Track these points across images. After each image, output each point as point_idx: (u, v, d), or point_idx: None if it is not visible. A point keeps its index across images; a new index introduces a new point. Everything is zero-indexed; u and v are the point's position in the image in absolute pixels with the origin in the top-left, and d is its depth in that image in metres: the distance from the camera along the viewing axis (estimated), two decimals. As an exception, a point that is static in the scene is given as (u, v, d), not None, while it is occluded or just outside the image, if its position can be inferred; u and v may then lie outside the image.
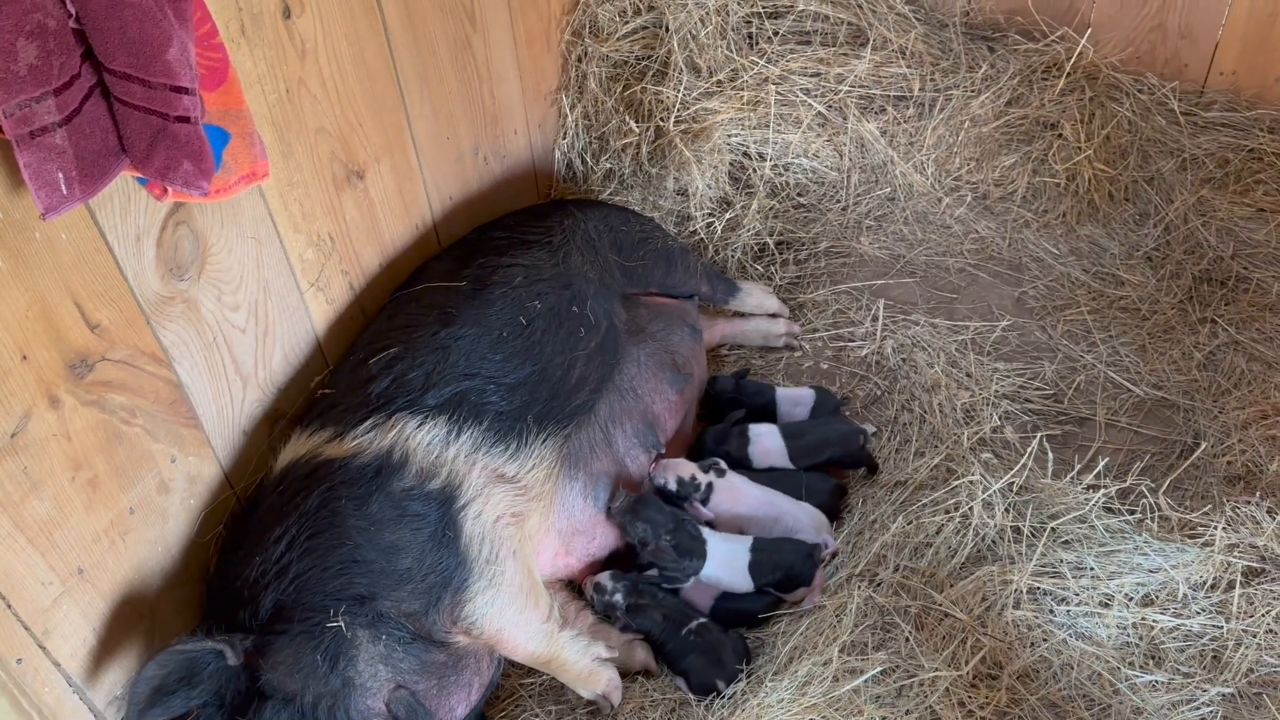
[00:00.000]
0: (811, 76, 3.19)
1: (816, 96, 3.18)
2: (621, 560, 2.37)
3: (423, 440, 2.16)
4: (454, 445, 2.18)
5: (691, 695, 2.16)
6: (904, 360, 2.87)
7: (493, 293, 2.41)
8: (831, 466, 2.60)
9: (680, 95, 3.06)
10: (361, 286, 2.56)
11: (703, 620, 2.22)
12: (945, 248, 3.20)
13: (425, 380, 2.24)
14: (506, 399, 2.27)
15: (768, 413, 2.70)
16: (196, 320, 2.14)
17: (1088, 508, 2.25)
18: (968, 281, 3.11)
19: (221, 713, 2.01)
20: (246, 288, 2.24)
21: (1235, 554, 2.17)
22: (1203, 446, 2.47)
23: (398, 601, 2.04)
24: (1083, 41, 3.15)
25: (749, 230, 3.21)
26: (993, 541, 2.27)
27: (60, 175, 1.66)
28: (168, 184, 1.83)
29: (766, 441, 2.60)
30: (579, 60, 3.14)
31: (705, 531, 2.31)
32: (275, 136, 2.20)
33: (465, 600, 2.07)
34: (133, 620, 2.16)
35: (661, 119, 3.08)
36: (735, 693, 2.11)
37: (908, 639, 2.11)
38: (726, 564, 2.27)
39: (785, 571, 2.24)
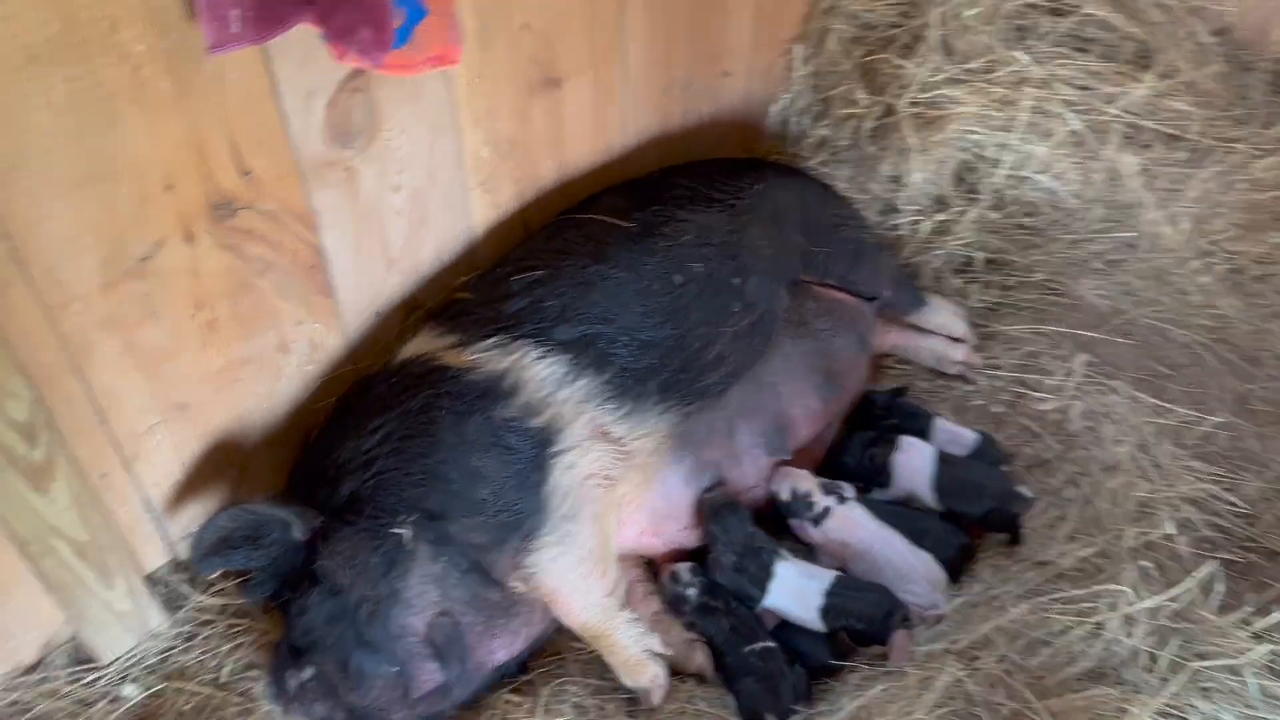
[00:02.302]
0: (1078, 89, 2.82)
1: (1078, 112, 2.81)
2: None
3: (538, 374, 2.06)
4: (567, 388, 2.06)
5: (736, 718, 2.00)
6: (1089, 429, 2.53)
7: (656, 243, 2.25)
8: (970, 523, 2.34)
9: (924, 75, 2.77)
10: (531, 199, 2.46)
11: (771, 645, 2.04)
12: (1176, 316, 2.79)
13: (560, 312, 2.13)
14: (635, 356, 2.13)
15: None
16: (353, 192, 2.09)
17: (1245, 658, 1.92)
18: (1190, 360, 2.71)
19: (274, 581, 2.01)
20: (412, 171, 2.17)
21: None
22: None
23: (466, 529, 1.96)
24: None
25: (958, 239, 2.90)
26: (1122, 662, 1.98)
27: (233, 12, 1.60)
28: (346, 47, 1.76)
29: (916, 456, 2.35)
30: (824, 13, 2.89)
31: (784, 563, 2.12)
32: (477, 24, 2.10)
33: (531, 549, 1.98)
34: (223, 467, 2.18)
35: (895, 96, 2.81)
36: (782, 732, 1.94)
37: (989, 739, 1.88)
38: (798, 598, 2.08)
39: (861, 623, 2.03)
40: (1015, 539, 2.28)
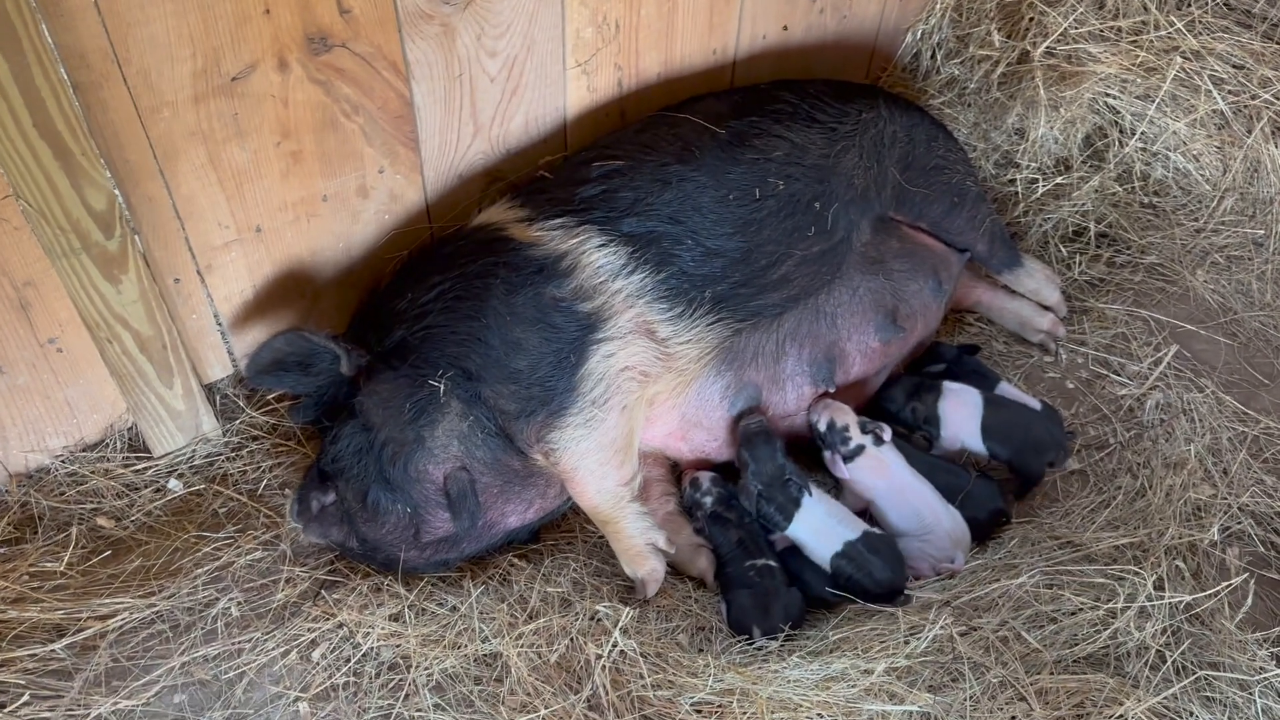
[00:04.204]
0: (1233, 67, 2.63)
1: (1226, 92, 2.62)
2: (734, 473, 2.21)
3: (596, 261, 2.08)
4: (622, 280, 2.08)
5: (724, 626, 2.03)
6: (1161, 422, 2.42)
7: (744, 154, 2.22)
8: (1011, 468, 2.31)
9: (1066, 25, 2.62)
10: (630, 89, 2.44)
11: (772, 564, 2.05)
12: (1289, 326, 2.63)
13: (630, 205, 2.13)
14: (697, 262, 2.13)
15: (978, 401, 2.39)
16: (449, 49, 2.11)
17: (1257, 677, 1.84)
18: (1293, 374, 2.55)
19: (317, 409, 2.11)
20: (511, 38, 2.18)
21: None
22: None
23: (498, 395, 2.01)
24: None
25: (1074, 206, 2.77)
26: (1127, 654, 1.92)
27: None
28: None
29: (961, 402, 2.31)
30: (978, -55, 2.75)
31: (816, 500, 2.11)
32: (598, -104, 2.08)
33: (555, 426, 2.02)
34: (293, 295, 2.28)
35: (1033, 44, 2.66)
36: (763, 647, 1.95)
37: (969, 699, 1.85)
38: (818, 536, 2.08)
39: (867, 583, 2.03)
40: (1024, 489, 2.26)
